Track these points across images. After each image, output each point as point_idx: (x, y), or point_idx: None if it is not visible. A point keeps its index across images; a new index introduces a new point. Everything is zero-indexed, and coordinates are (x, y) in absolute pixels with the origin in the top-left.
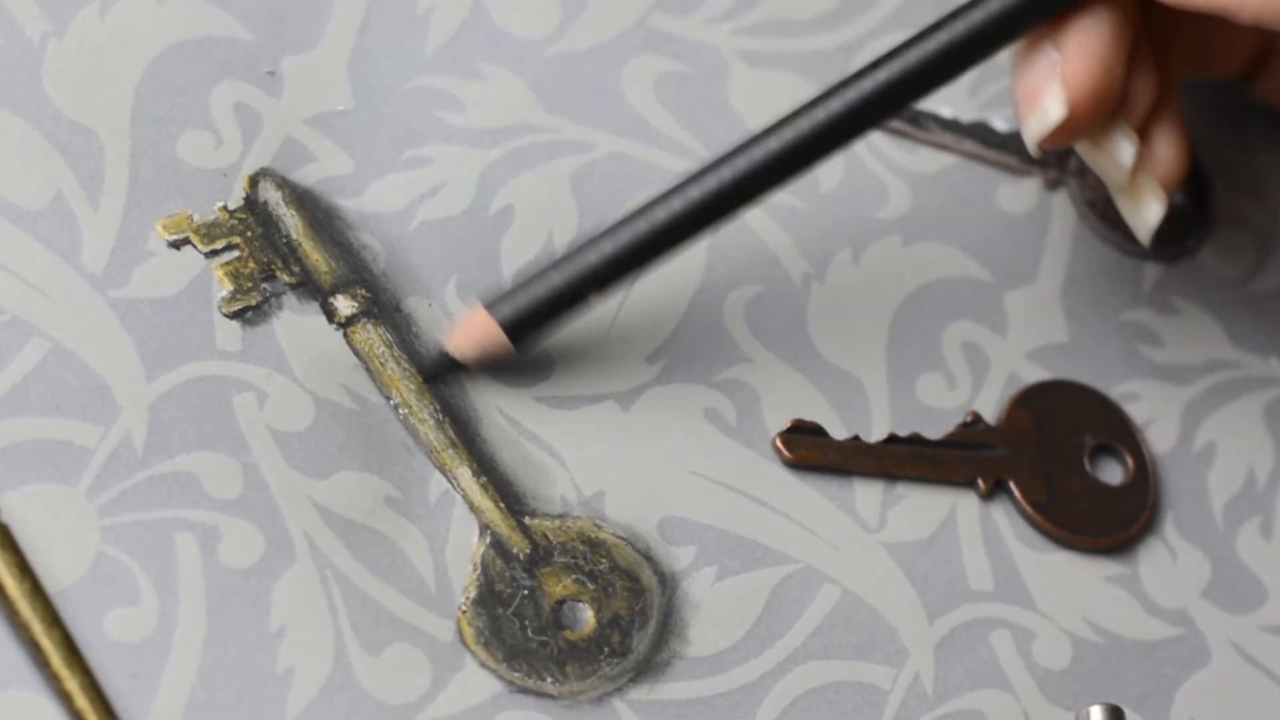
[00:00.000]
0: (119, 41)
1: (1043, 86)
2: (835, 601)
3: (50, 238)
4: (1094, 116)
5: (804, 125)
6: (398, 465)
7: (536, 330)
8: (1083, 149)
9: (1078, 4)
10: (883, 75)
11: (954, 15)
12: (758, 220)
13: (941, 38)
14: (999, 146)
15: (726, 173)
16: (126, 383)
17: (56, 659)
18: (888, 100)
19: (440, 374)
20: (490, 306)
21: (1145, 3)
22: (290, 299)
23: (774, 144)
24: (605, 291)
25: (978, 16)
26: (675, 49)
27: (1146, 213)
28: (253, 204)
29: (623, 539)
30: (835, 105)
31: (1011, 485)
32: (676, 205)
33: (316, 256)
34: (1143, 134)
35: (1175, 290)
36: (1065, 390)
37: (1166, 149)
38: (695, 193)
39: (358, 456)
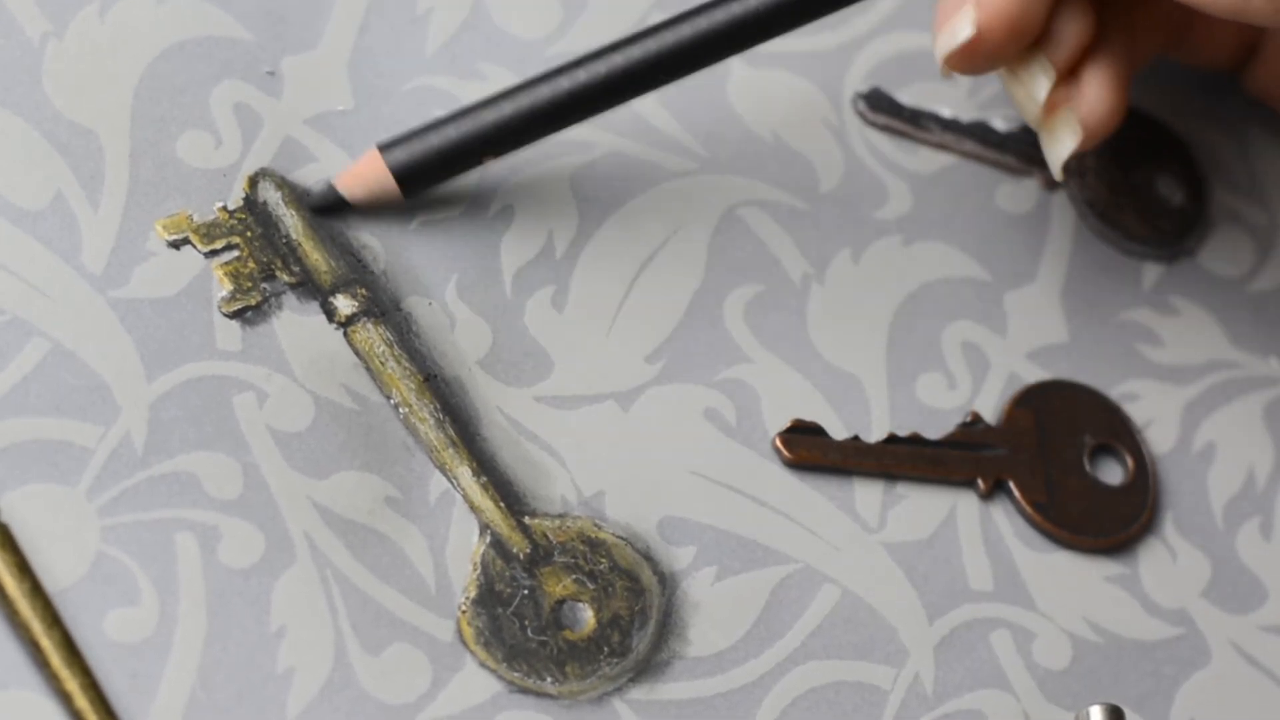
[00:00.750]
0: (119, 41)
1: (956, 6)
2: (835, 601)
3: (50, 238)
4: (1004, 43)
5: (720, 17)
6: (398, 465)
7: (427, 181)
8: (1003, 79)
9: None
10: None
11: None
12: (757, 220)
13: None
14: (999, 146)
15: (636, 52)
16: (126, 383)
17: (56, 659)
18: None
19: (327, 210)
20: (384, 150)
21: None
22: (290, 299)
23: (687, 30)
24: (500, 154)
25: None
26: None
27: (1059, 147)
28: (252, 204)
29: (623, 539)
30: (754, 2)
31: (1011, 485)
32: (582, 77)
33: (316, 256)
34: (1072, 73)
35: (1175, 290)
36: (1065, 390)
37: (1096, 91)
38: (602, 68)
39: (358, 456)
